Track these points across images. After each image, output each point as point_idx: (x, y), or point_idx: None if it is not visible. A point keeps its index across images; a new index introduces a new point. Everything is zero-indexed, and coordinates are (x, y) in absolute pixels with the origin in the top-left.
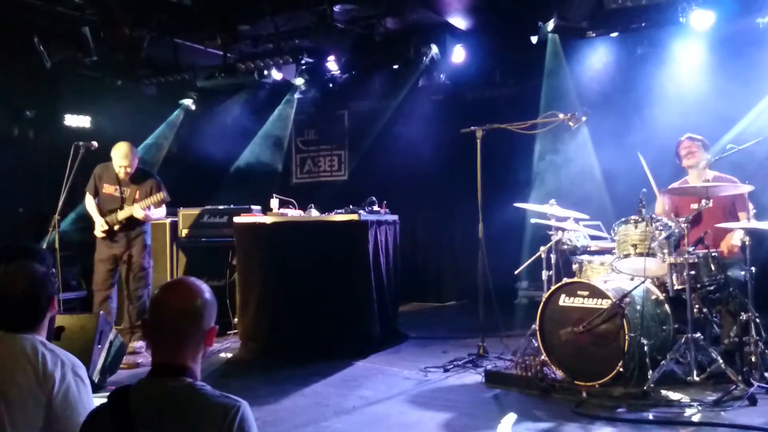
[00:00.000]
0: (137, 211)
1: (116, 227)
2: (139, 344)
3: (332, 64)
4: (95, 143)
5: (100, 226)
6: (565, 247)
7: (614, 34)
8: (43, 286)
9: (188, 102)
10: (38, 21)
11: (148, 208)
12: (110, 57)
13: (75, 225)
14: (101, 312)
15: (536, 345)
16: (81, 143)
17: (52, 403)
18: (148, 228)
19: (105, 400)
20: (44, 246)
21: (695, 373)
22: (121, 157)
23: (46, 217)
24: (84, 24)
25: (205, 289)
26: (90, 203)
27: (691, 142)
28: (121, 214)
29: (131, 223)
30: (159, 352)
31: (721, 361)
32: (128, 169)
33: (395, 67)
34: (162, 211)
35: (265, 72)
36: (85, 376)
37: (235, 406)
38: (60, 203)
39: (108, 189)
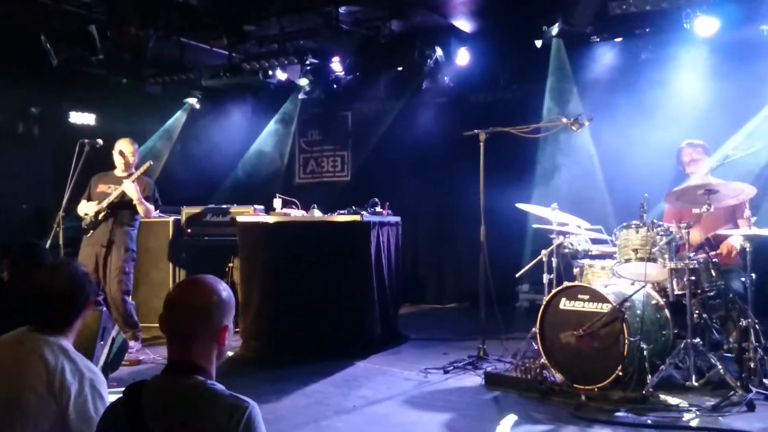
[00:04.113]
0: (127, 184)
1: (101, 216)
2: (130, 344)
3: (337, 65)
4: (100, 141)
5: (91, 208)
6: (567, 250)
7: (618, 40)
8: (82, 286)
9: (193, 101)
10: (45, 19)
11: (141, 196)
12: (116, 56)
13: (79, 222)
14: (104, 308)
15: (536, 348)
16: (86, 141)
17: (67, 416)
18: (134, 232)
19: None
20: (48, 243)
21: (694, 378)
22: (125, 144)
23: (51, 214)
24: (91, 23)
25: (221, 288)
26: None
27: (693, 148)
28: (112, 196)
29: (116, 216)
30: (172, 349)
31: (720, 366)
32: (129, 159)
33: (399, 69)
34: (152, 207)
35: (270, 72)
36: (104, 391)
37: (242, 406)
38: (64, 200)
39: (102, 188)
